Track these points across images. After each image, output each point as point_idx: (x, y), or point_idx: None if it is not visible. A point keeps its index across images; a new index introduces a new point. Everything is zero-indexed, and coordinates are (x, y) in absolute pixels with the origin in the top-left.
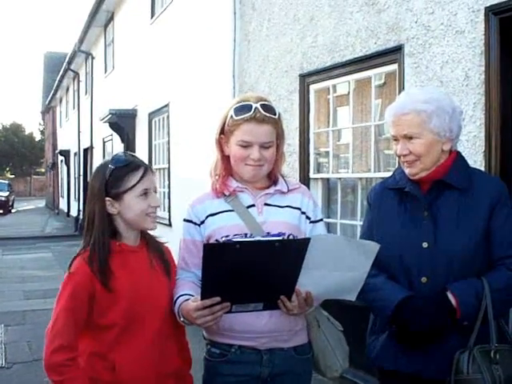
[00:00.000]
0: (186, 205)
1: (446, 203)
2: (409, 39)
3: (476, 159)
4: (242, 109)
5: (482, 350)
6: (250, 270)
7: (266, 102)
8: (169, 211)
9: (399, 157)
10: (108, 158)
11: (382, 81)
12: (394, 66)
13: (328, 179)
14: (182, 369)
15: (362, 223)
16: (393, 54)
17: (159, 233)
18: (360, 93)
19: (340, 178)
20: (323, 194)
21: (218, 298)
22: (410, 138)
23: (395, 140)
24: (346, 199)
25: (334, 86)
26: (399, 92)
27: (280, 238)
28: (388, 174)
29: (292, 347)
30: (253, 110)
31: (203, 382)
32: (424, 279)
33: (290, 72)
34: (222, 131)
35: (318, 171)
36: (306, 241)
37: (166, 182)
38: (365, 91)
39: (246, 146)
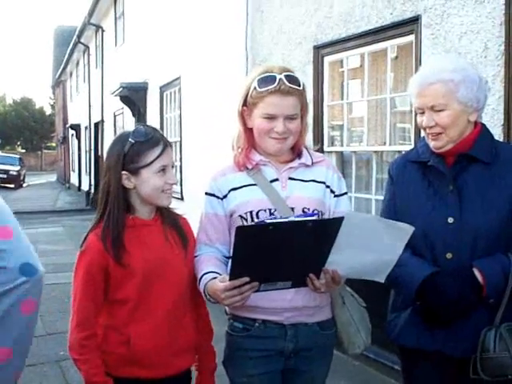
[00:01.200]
0: (199, 178)
1: (472, 177)
2: (426, 9)
3: (494, 132)
4: (266, 80)
5: (509, 328)
6: (281, 250)
7: (290, 73)
8: (181, 185)
9: (424, 129)
10: (127, 129)
11: (398, 53)
12: (411, 38)
13: (342, 152)
14: (200, 342)
15: (376, 197)
16: (409, 24)
17: (171, 206)
18: (375, 65)
19: (354, 152)
20: (337, 168)
21: (246, 279)
22: (437, 109)
23: (420, 112)
24: (361, 173)
25: (349, 58)
26: (416, 64)
27: (313, 217)
28: (403, 148)
29: (316, 322)
30: (277, 81)
31: (225, 357)
32: (449, 255)
33: (303, 44)
34: (244, 103)
35: (332, 144)
36: (339, 220)
37: (178, 156)
38: (380, 63)
39: (271, 118)
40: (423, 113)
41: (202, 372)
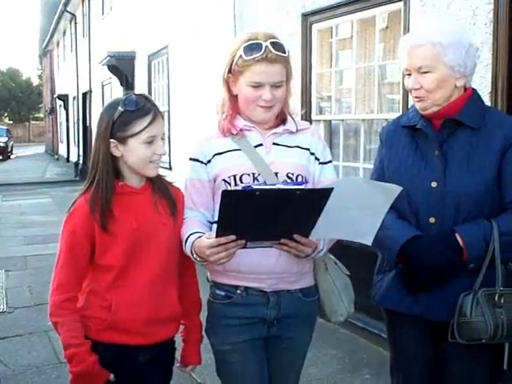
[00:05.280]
0: (187, 147)
1: (458, 142)
2: None
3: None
4: (252, 48)
5: (487, 294)
6: (267, 216)
7: (275, 40)
8: (169, 155)
9: (410, 91)
10: (120, 97)
11: (387, 20)
12: (399, 5)
13: (330, 121)
14: (186, 312)
15: (364, 166)
16: None
17: (163, 175)
18: (364, 33)
19: (342, 120)
20: (325, 137)
21: (233, 237)
22: (423, 71)
23: (408, 74)
24: (349, 142)
25: (337, 26)
26: (404, 32)
27: (301, 186)
28: (391, 115)
29: (299, 289)
30: (263, 49)
31: (207, 324)
32: (432, 219)
33: (292, 11)
34: (229, 70)
35: (321, 113)
36: (329, 190)
37: (166, 126)
38: (368, 31)
39: (258, 86)
40: (410, 74)
41: (186, 343)
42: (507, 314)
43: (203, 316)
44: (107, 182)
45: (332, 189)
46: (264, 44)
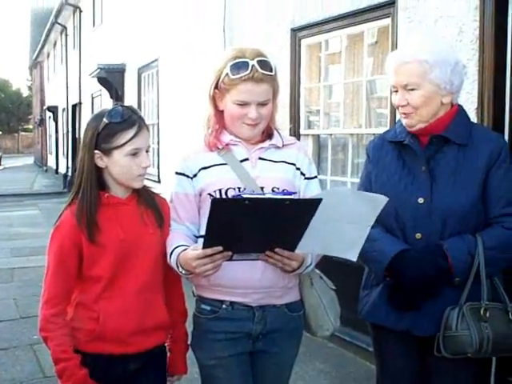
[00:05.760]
0: (176, 160)
1: (445, 158)
2: None
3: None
4: (239, 67)
5: (472, 308)
6: (255, 225)
7: (262, 58)
8: (158, 167)
9: (397, 108)
10: (106, 108)
11: (375, 36)
12: (388, 21)
13: (318, 135)
14: (172, 322)
15: (351, 180)
16: (386, 7)
17: (149, 186)
18: (352, 48)
19: (331, 134)
20: (314, 151)
21: (219, 248)
22: (410, 88)
23: (395, 90)
24: (337, 156)
25: (326, 42)
26: (392, 48)
27: (291, 196)
28: (379, 130)
29: (284, 304)
30: (250, 68)
31: (193, 339)
32: (418, 235)
33: (281, 26)
34: (215, 86)
35: (309, 127)
36: (317, 201)
37: (156, 139)
38: (357, 46)
39: (243, 104)
40: (397, 91)
41: (173, 352)
42: (492, 328)
43: (188, 329)
44: (91, 192)
45: (321, 199)
46: (251, 63)
